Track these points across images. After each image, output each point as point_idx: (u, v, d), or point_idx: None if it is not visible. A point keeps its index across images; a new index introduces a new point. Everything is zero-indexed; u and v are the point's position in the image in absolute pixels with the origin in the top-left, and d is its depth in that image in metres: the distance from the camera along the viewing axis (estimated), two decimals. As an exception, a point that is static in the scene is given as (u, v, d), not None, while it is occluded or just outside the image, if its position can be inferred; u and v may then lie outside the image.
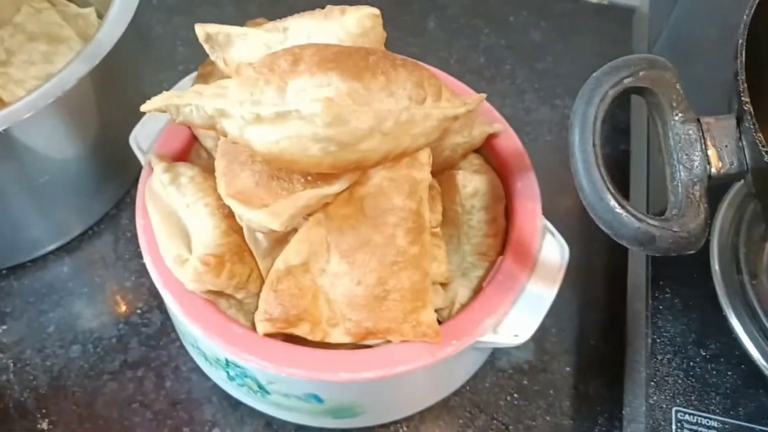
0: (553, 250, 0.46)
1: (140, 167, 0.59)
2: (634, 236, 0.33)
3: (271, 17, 0.72)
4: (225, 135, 0.37)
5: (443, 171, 0.48)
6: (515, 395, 0.51)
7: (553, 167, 0.52)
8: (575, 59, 0.71)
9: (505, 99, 0.68)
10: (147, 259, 0.43)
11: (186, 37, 0.70)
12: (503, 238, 0.47)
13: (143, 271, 0.55)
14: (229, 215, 0.43)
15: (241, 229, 0.42)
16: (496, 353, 0.52)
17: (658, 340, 0.44)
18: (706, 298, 0.45)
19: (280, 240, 0.42)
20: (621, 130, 0.65)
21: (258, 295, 0.43)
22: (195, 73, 0.52)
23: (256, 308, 0.43)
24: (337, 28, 0.41)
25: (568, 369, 0.52)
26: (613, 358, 0.51)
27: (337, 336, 0.41)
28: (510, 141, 0.50)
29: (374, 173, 0.40)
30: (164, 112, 0.37)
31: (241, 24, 0.72)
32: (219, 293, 0.42)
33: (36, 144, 0.46)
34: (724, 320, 0.43)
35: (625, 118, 0.66)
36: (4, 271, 0.54)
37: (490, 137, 0.50)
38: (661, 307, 0.45)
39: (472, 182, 0.47)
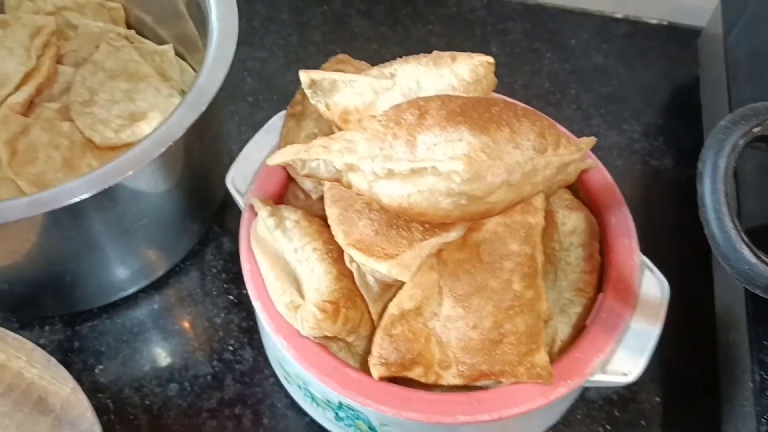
0: (653, 286, 0.46)
1: (221, 203, 0.60)
2: (769, 286, 0.34)
3: (336, 44, 0.73)
4: (349, 187, 0.37)
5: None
6: (607, 426, 0.51)
7: (624, 193, 0.52)
8: (640, 83, 0.72)
9: (573, 125, 0.68)
10: (257, 304, 0.44)
11: (252, 68, 0.71)
12: (599, 274, 0.48)
13: (232, 308, 0.55)
14: (338, 260, 0.43)
15: (350, 273, 0.42)
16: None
17: (765, 376, 0.44)
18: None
19: (390, 284, 0.42)
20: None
21: (367, 337, 0.43)
22: (284, 112, 0.53)
23: (365, 350, 0.43)
24: (449, 76, 0.41)
25: (657, 399, 0.53)
26: (702, 388, 0.51)
27: (449, 378, 0.42)
28: (601, 176, 0.50)
29: (490, 219, 0.40)
30: (289, 165, 0.38)
31: (310, 54, 0.73)
32: (330, 337, 0.42)
33: (140, 190, 0.46)
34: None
35: (697, 138, 0.66)
36: (96, 310, 0.54)
37: (582, 172, 0.50)
38: (765, 342, 0.45)
39: (570, 220, 0.47)
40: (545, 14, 0.77)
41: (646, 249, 0.51)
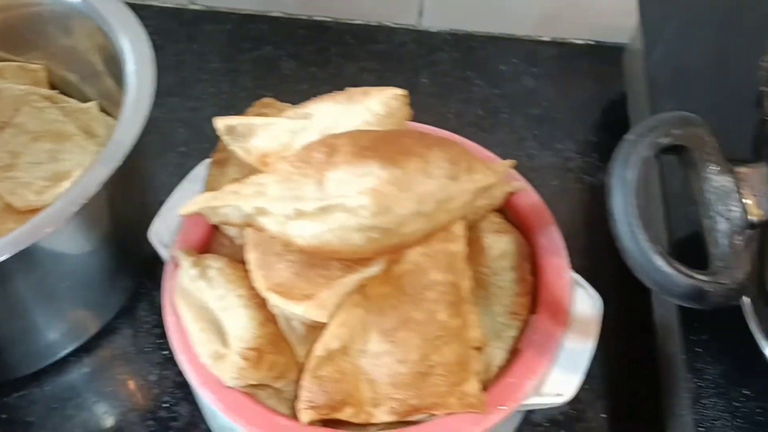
0: (586, 303, 0.46)
1: (151, 256, 0.58)
2: (686, 293, 0.34)
3: (267, 88, 0.73)
4: (262, 231, 0.37)
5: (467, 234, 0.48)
6: (554, 448, 0.51)
7: (560, 212, 0.51)
8: (570, 102, 0.72)
9: (506, 148, 0.68)
10: (181, 358, 0.42)
11: (184, 118, 0.70)
12: (533, 295, 0.47)
13: (166, 364, 0.54)
14: (264, 305, 0.42)
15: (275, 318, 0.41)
16: (531, 408, 0.51)
17: (700, 384, 0.43)
18: (741, 334, 0.45)
19: (315, 325, 0.41)
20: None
21: (296, 382, 0.42)
22: (209, 160, 0.52)
23: (295, 395, 0.42)
24: (363, 111, 0.41)
25: (603, 416, 0.52)
26: (647, 402, 0.51)
27: (382, 416, 0.40)
28: (529, 197, 0.50)
29: (410, 250, 0.40)
30: (200, 214, 0.37)
31: (241, 100, 0.73)
32: (257, 385, 0.41)
33: (59, 250, 0.45)
34: (763, 355, 0.43)
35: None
36: (24, 378, 0.52)
37: (509, 195, 0.50)
38: (697, 349, 0.45)
39: (499, 243, 0.46)
40: (474, 43, 0.78)
41: (587, 265, 0.51)
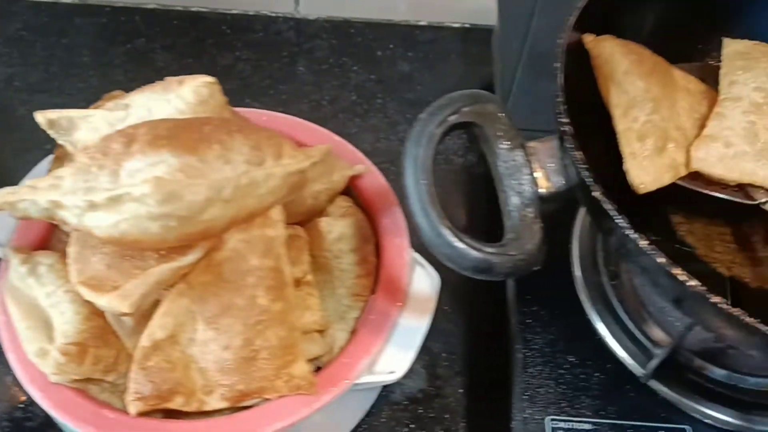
0: (424, 282, 0.47)
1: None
2: (474, 266, 0.35)
3: (140, 81, 0.71)
4: (65, 224, 0.37)
5: (311, 219, 0.48)
6: (412, 426, 0.52)
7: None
8: (443, 85, 0.73)
9: (379, 133, 0.69)
10: (10, 356, 0.42)
11: (49, 114, 0.69)
12: (376, 276, 0.48)
13: (23, 363, 0.53)
14: (91, 298, 0.42)
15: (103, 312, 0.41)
16: (388, 386, 0.52)
17: (528, 353, 0.45)
18: (570, 305, 0.47)
19: (145, 316, 0.41)
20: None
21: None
22: (52, 156, 0.51)
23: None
24: (176, 100, 0.41)
25: (461, 391, 0.53)
26: (501, 375, 0.52)
27: (214, 403, 0.41)
28: (374, 180, 0.51)
29: (229, 237, 0.40)
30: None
31: (109, 92, 0.72)
32: (88, 379, 0.41)
33: None
34: (589, 324, 0.45)
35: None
36: None
37: (354, 178, 0.51)
38: (528, 320, 0.47)
39: (336, 227, 0.47)
40: (352, 29, 0.78)
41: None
